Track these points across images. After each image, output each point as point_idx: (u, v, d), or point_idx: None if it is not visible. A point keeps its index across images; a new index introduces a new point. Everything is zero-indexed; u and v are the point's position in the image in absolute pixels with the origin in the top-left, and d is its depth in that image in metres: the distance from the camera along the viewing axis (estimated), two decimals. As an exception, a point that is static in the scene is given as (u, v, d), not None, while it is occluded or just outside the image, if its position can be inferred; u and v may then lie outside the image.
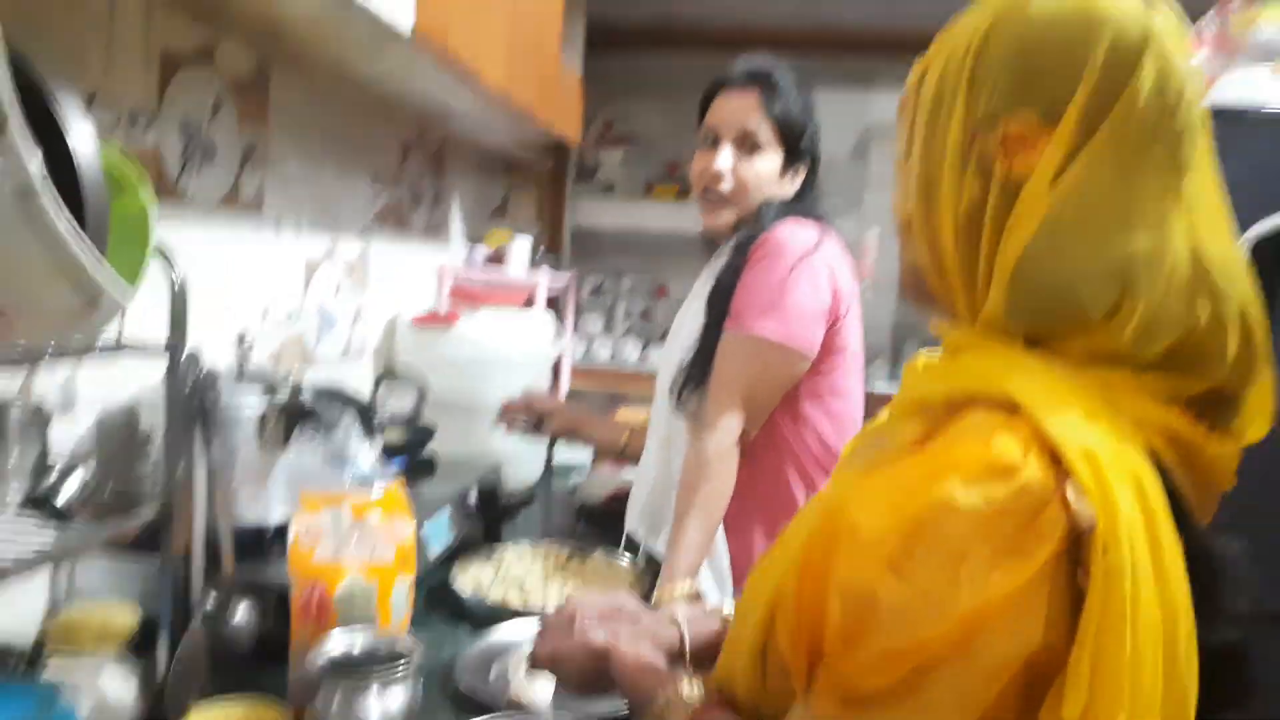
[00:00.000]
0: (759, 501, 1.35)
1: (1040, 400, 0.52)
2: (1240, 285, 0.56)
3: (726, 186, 1.36)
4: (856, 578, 0.52)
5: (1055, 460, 0.50)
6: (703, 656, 0.80)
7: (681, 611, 0.86)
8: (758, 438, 1.34)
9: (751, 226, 1.35)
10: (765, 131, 1.34)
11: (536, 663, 0.83)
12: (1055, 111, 0.54)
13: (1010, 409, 0.52)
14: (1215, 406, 0.55)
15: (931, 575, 0.49)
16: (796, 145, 1.37)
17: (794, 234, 1.30)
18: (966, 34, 0.59)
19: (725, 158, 1.35)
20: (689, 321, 1.40)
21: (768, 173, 1.36)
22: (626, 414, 2.38)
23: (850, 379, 1.38)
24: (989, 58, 0.57)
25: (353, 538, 0.97)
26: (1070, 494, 0.49)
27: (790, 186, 1.39)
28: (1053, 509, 0.49)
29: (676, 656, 0.81)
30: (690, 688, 0.68)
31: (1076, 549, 0.49)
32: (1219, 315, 0.54)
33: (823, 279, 1.30)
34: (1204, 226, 0.56)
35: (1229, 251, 0.56)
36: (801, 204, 1.38)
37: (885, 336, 3.05)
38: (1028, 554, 0.48)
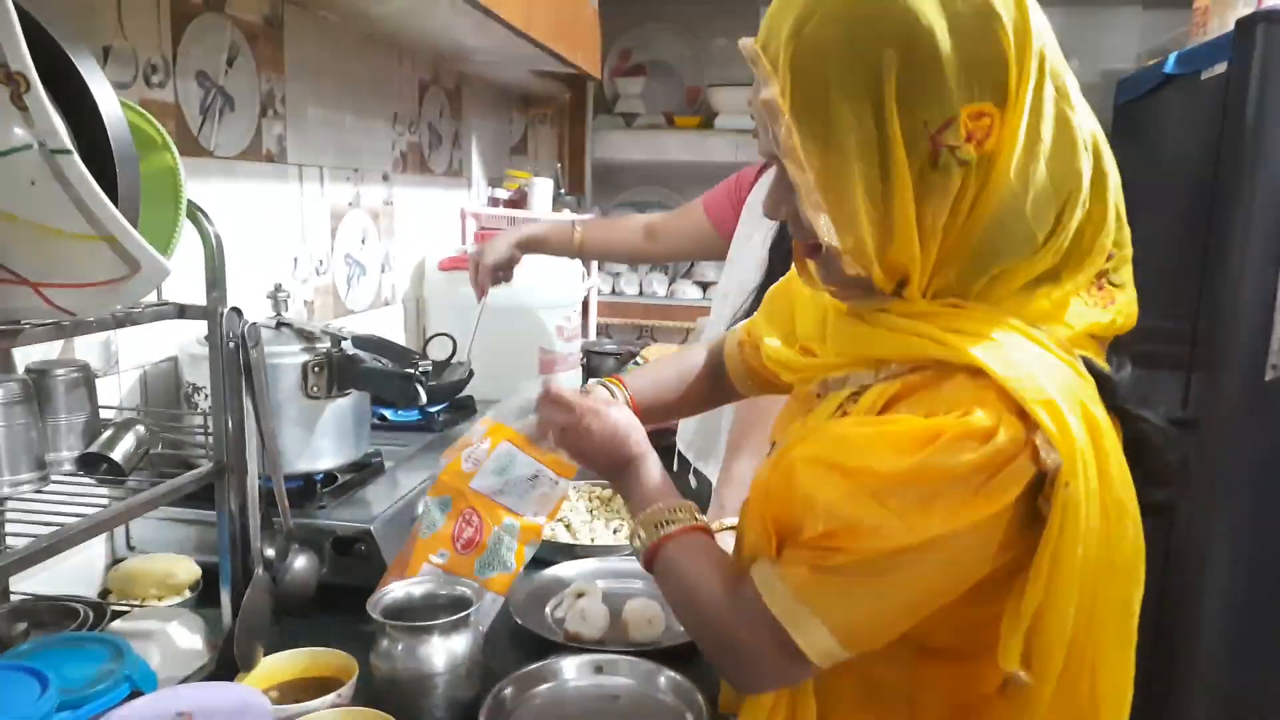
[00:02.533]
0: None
1: (1001, 364, 0.60)
2: (1106, 157, 0.65)
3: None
4: (842, 502, 0.60)
5: (1023, 414, 0.59)
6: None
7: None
8: None
9: None
10: None
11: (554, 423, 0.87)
12: (1002, 93, 0.59)
13: (975, 373, 0.60)
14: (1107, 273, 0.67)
15: (909, 506, 0.59)
16: None
17: None
18: (855, 57, 0.59)
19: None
20: (749, 253, 1.37)
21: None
22: (655, 350, 2.37)
23: None
24: (914, 74, 0.58)
25: (524, 489, 0.97)
26: (1039, 442, 0.58)
27: None
28: (1021, 460, 0.58)
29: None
30: (685, 512, 0.77)
31: (1039, 481, 0.59)
32: (1104, 200, 0.65)
33: None
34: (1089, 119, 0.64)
35: (1098, 130, 0.65)
36: None
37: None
38: (995, 497, 0.58)
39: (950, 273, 0.64)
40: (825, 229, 0.63)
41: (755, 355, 0.96)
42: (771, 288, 0.94)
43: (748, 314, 1.32)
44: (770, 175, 0.72)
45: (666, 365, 1.08)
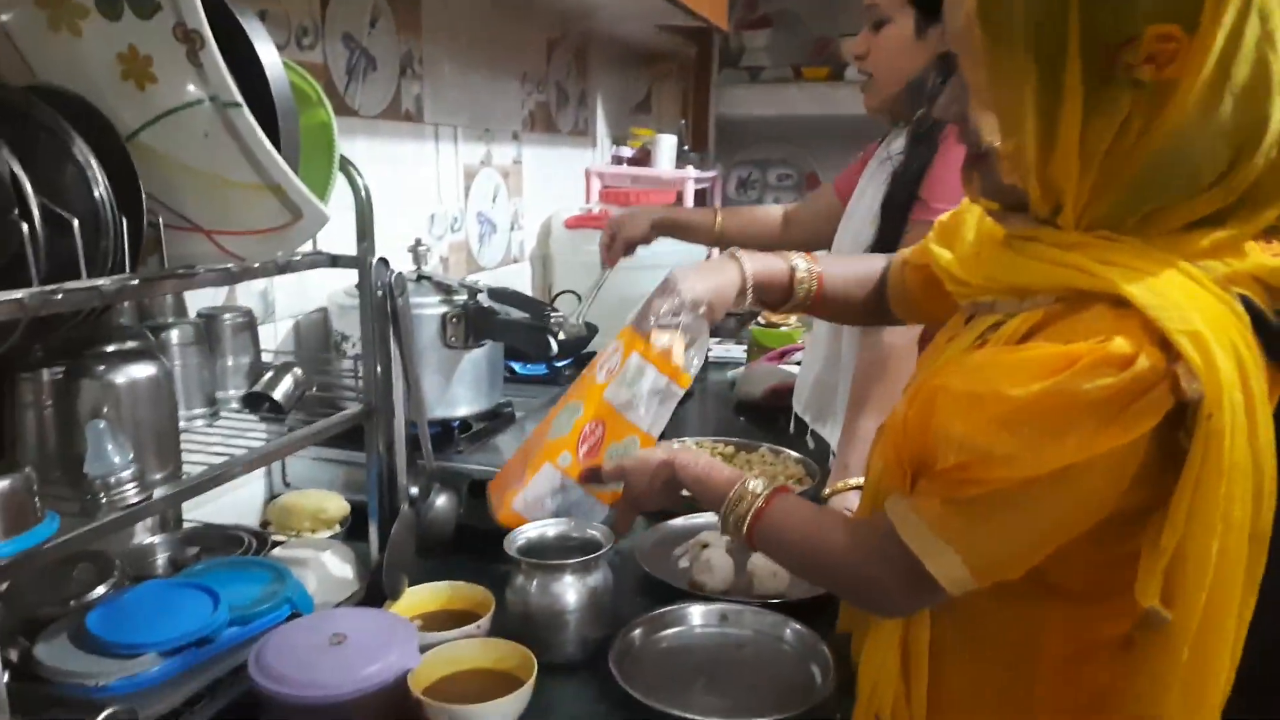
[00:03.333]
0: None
1: (1146, 294, 0.58)
2: None
3: (866, 67, 1.32)
4: (974, 433, 0.60)
5: (1166, 344, 0.56)
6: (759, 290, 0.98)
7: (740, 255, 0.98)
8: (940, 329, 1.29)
9: (926, 105, 1.27)
10: (885, 1, 1.26)
11: (605, 477, 0.92)
12: (1194, 18, 0.56)
13: (1118, 302, 0.59)
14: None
15: (1041, 434, 0.57)
16: (929, 1, 1.25)
17: None
18: None
19: (860, 40, 1.31)
20: (864, 208, 1.34)
21: (896, 42, 1.27)
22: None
23: None
24: None
25: (650, 402, 0.98)
26: (1181, 373, 0.56)
27: (942, 41, 1.28)
28: (1159, 390, 0.56)
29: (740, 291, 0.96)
30: (756, 483, 0.78)
31: (1179, 414, 0.57)
32: None
33: None
34: None
35: None
36: (954, 60, 1.28)
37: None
38: (1131, 427, 0.57)
39: (1105, 203, 0.62)
40: (990, 128, 0.64)
41: (915, 276, 0.95)
42: (942, 215, 0.92)
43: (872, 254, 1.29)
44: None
45: (856, 264, 1.06)
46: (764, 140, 3.04)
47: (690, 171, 2.44)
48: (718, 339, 2.40)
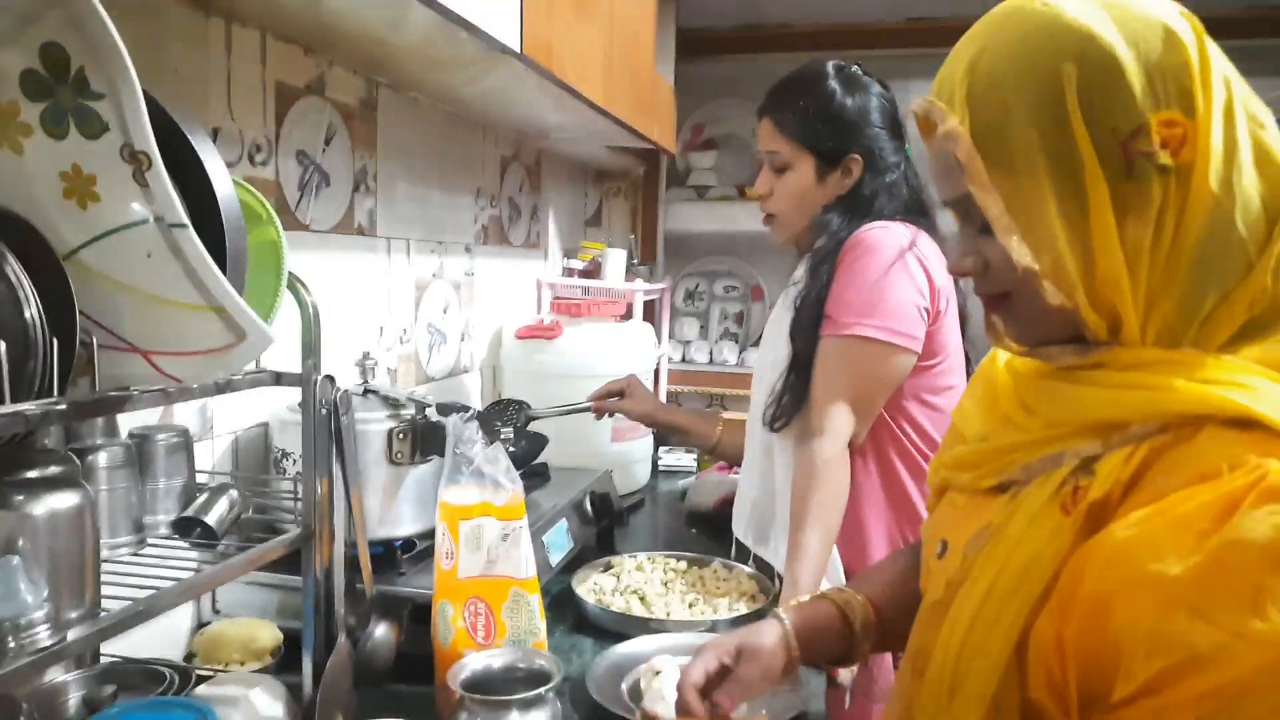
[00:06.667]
0: (873, 503, 1.34)
1: (1276, 411, 0.54)
2: None
3: (770, 207, 1.43)
4: (1163, 628, 0.51)
5: None
6: (814, 646, 0.87)
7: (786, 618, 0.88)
8: (866, 440, 1.32)
9: (825, 237, 1.34)
10: (785, 149, 1.38)
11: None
12: (1190, 102, 0.58)
13: (1245, 425, 0.54)
14: None
15: (1234, 608, 0.49)
16: (826, 146, 1.36)
17: (886, 233, 1.30)
18: (1031, 77, 0.59)
19: (761, 181, 1.42)
20: (779, 335, 1.38)
21: (800, 185, 1.38)
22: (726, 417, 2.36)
23: (954, 375, 1.36)
24: (1095, 82, 0.58)
25: (501, 550, 0.97)
26: None
27: (841, 184, 1.37)
28: None
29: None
30: None
31: None
32: None
33: (920, 276, 1.27)
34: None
35: None
36: (857, 199, 1.36)
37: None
38: None
39: (1167, 306, 0.59)
40: (1018, 250, 0.60)
41: None
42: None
43: (781, 392, 1.33)
44: None
45: (893, 561, 0.97)
46: (710, 254, 3.12)
47: (639, 284, 2.48)
48: (667, 447, 2.39)
